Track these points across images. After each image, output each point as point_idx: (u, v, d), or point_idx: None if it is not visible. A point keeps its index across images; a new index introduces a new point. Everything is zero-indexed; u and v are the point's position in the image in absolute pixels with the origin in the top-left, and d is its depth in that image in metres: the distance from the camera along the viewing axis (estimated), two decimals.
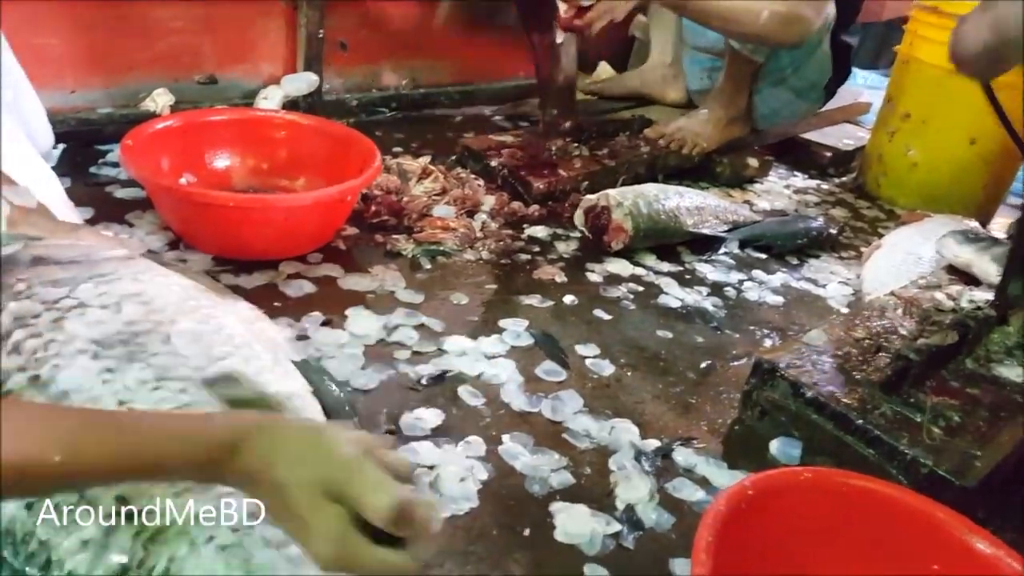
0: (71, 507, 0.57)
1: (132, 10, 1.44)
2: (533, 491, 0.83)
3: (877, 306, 1.14)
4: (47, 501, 0.57)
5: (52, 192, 1.03)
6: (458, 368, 1.01)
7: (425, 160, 1.49)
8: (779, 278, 1.41)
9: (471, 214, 1.42)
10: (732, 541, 0.65)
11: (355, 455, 0.52)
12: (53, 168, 1.08)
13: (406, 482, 0.52)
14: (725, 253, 1.46)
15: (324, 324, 1.06)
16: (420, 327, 1.09)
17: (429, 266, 1.26)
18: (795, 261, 1.49)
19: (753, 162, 1.84)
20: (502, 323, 1.13)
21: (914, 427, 0.89)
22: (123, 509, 0.58)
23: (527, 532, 0.77)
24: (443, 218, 1.36)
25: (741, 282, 1.37)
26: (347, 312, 1.08)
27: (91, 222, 1.15)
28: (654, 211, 1.38)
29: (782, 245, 1.51)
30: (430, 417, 0.92)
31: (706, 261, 1.42)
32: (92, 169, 1.36)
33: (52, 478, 0.50)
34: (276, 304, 1.08)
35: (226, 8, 1.54)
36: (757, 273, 1.42)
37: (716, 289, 1.34)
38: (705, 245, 1.45)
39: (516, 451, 0.88)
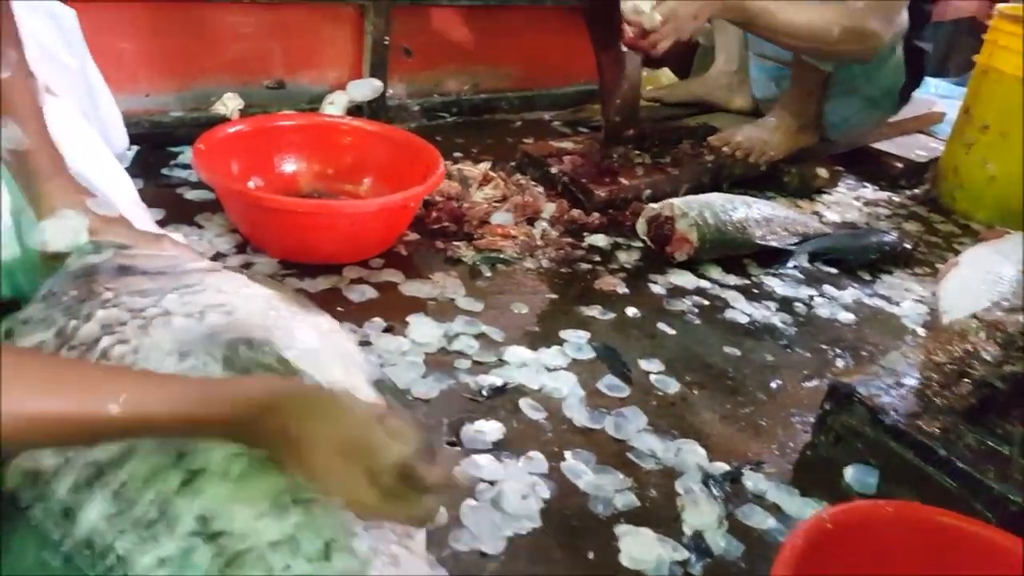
0: (152, 522, 0.57)
1: (205, 16, 1.47)
2: (597, 512, 0.81)
3: (958, 328, 1.08)
4: (130, 515, 0.57)
5: (125, 194, 1.05)
6: (519, 380, 1.00)
7: (486, 166, 1.49)
8: (851, 294, 1.37)
9: (531, 221, 1.41)
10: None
11: (368, 418, 0.59)
12: (126, 169, 1.10)
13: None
14: (794, 267, 1.41)
15: (386, 330, 1.06)
16: (480, 336, 1.08)
17: (489, 274, 1.25)
18: (867, 276, 1.44)
19: (822, 172, 1.79)
20: (563, 334, 1.11)
21: (1001, 460, 0.84)
22: (203, 529, 0.57)
23: (591, 555, 0.75)
24: (503, 225, 1.35)
25: (811, 297, 1.33)
26: (408, 319, 1.08)
27: (162, 223, 1.17)
28: (721, 222, 1.35)
29: (854, 259, 1.46)
30: (491, 430, 0.90)
31: (774, 275, 1.38)
32: (164, 171, 1.38)
33: (105, 428, 0.55)
34: (339, 309, 1.09)
35: (296, 15, 1.56)
36: (828, 288, 1.37)
37: (785, 304, 1.29)
38: (773, 258, 1.41)
39: (579, 469, 0.86)
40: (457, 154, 1.62)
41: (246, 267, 1.13)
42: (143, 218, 1.03)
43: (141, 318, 0.72)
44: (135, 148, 1.26)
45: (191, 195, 1.31)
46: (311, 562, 0.57)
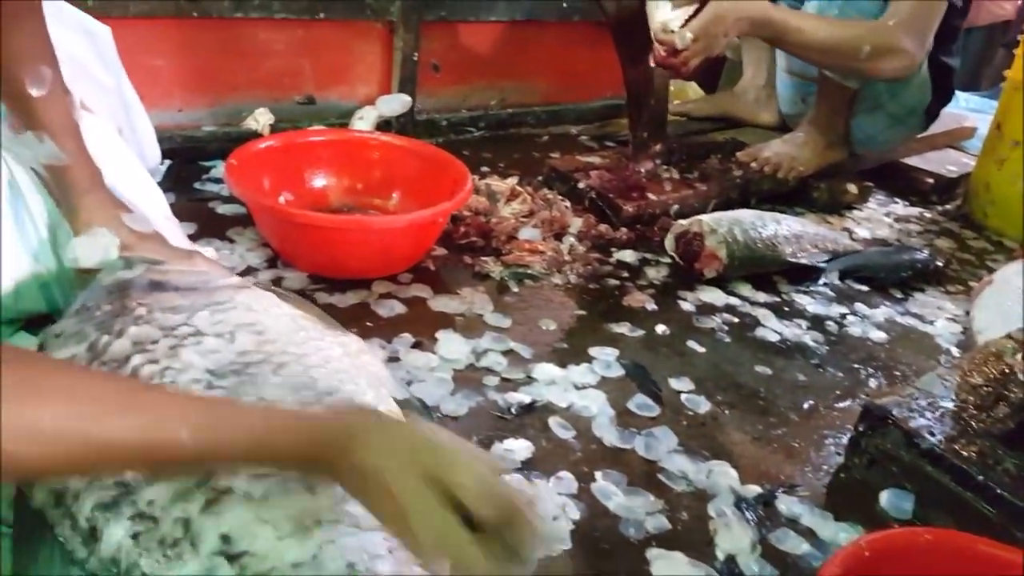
0: (176, 541, 0.58)
1: (237, 33, 1.48)
2: (628, 534, 0.80)
3: (993, 349, 1.06)
4: (154, 534, 0.58)
5: (158, 209, 1.07)
6: (548, 398, 0.99)
7: (513, 181, 1.49)
8: (883, 312, 1.35)
9: (559, 236, 1.40)
10: None
11: (452, 443, 0.55)
12: (159, 184, 1.11)
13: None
14: (825, 284, 1.40)
15: (415, 346, 1.06)
16: (508, 352, 1.08)
17: (517, 289, 1.25)
18: (899, 294, 1.42)
19: (852, 188, 1.77)
20: (592, 351, 1.10)
21: None
22: (226, 549, 0.57)
23: None
24: (531, 240, 1.35)
25: (843, 316, 1.31)
26: (437, 335, 1.08)
27: (193, 237, 1.19)
28: (750, 239, 1.34)
29: (885, 277, 1.44)
30: (520, 449, 0.90)
31: (805, 292, 1.37)
32: (196, 185, 1.40)
33: (177, 455, 0.53)
34: (368, 324, 1.09)
35: (326, 32, 1.57)
36: (859, 306, 1.35)
37: (816, 323, 1.28)
38: (803, 275, 1.39)
39: (609, 490, 0.85)
40: (484, 169, 1.62)
41: (276, 282, 1.14)
42: (175, 233, 1.04)
43: (172, 337, 0.72)
44: (167, 163, 1.28)
45: (223, 209, 1.33)
46: None
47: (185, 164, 1.42)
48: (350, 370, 0.77)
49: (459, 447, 0.55)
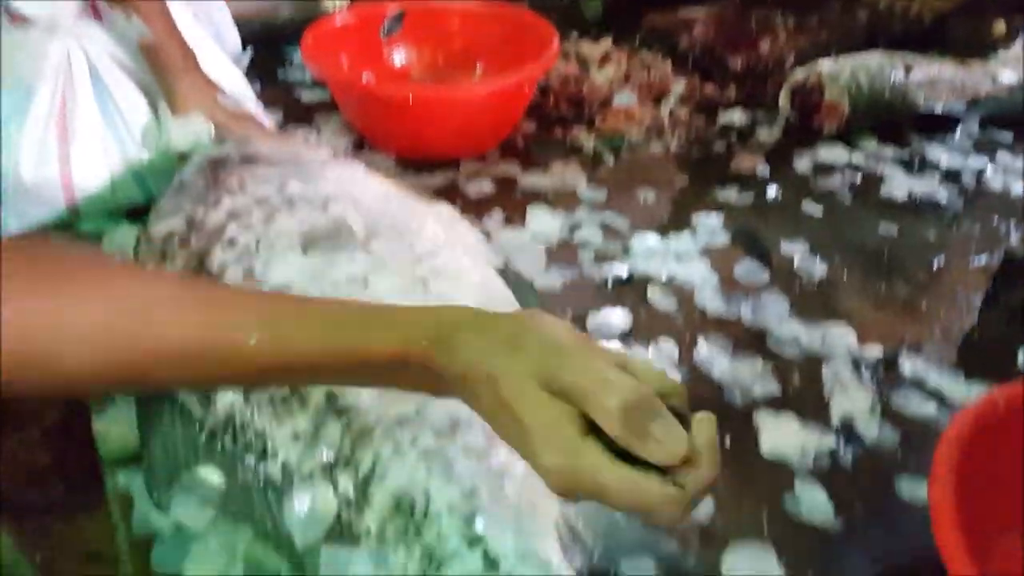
0: (285, 399, 0.58)
1: None
2: (734, 400, 0.75)
3: None
4: (264, 393, 0.58)
5: (245, 94, 1.06)
6: (646, 269, 0.94)
7: (606, 43, 1.39)
8: None
9: (657, 101, 1.31)
10: (978, 462, 0.56)
11: (577, 340, 0.43)
12: (244, 72, 1.11)
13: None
14: (963, 134, 1.25)
15: (505, 223, 1.02)
16: (604, 225, 1.02)
17: (612, 160, 1.18)
18: None
19: (999, 26, 1.55)
20: (695, 219, 1.03)
21: None
22: (332, 405, 0.58)
23: (728, 444, 0.70)
24: (627, 107, 1.27)
25: (982, 168, 1.17)
26: (528, 210, 1.04)
27: (280, 125, 1.18)
28: (877, 86, 1.20)
29: None
30: (618, 319, 0.86)
31: (939, 144, 1.22)
32: (279, 73, 1.38)
33: (245, 362, 0.47)
34: (457, 203, 1.06)
35: None
36: (1002, 157, 1.20)
37: (951, 176, 1.14)
38: (938, 124, 1.25)
39: (713, 357, 0.80)
40: (573, 32, 1.51)
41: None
42: (262, 116, 1.04)
43: (267, 206, 0.73)
44: (250, 50, 1.27)
45: (308, 96, 1.31)
46: (438, 436, 0.56)
47: (267, 52, 1.40)
48: (444, 237, 0.76)
49: (591, 350, 0.43)
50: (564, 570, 0.52)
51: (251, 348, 0.46)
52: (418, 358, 0.45)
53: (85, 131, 0.91)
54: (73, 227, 0.92)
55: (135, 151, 0.93)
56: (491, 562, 0.50)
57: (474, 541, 0.51)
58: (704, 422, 0.42)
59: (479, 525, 0.52)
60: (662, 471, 0.40)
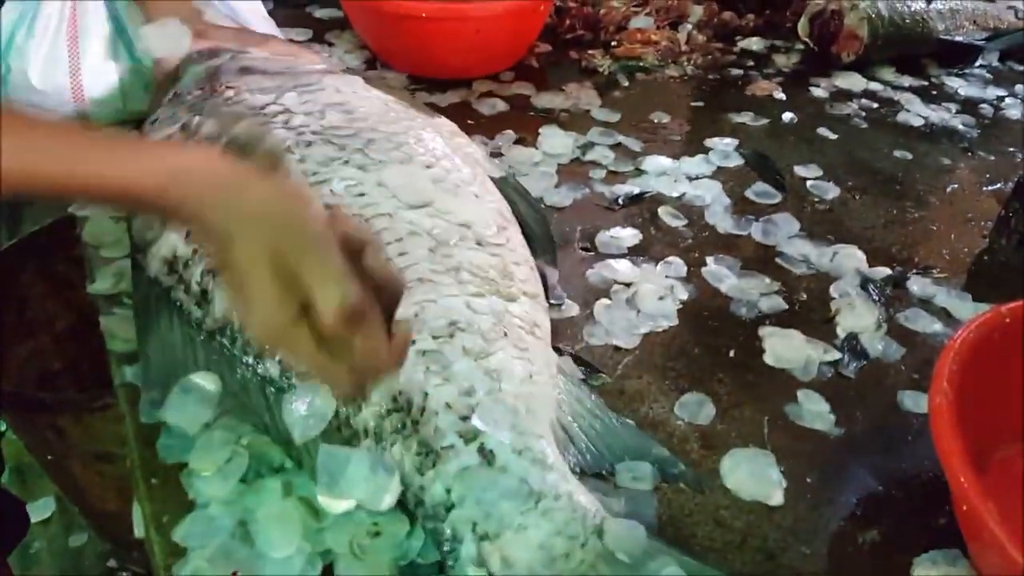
0: None
1: None
2: (740, 314, 0.76)
3: None
4: None
5: (255, 8, 1.05)
6: (657, 189, 0.94)
7: None
8: None
9: (675, 26, 1.28)
10: (979, 375, 0.56)
11: (323, 236, 0.45)
12: None
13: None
14: (982, 66, 1.23)
15: (517, 142, 1.02)
16: (617, 146, 1.02)
17: (627, 83, 1.17)
18: None
19: None
20: (708, 143, 1.02)
21: None
22: None
23: (732, 353, 0.71)
24: (644, 30, 1.25)
25: (1000, 98, 1.16)
26: (540, 130, 1.03)
27: (292, 43, 1.16)
28: (897, 14, 1.17)
29: None
30: (627, 236, 0.86)
31: (958, 75, 1.21)
32: None
33: None
34: (469, 122, 1.05)
35: None
36: (1021, 88, 1.18)
37: (968, 106, 1.13)
38: (957, 56, 1.23)
39: (721, 273, 0.80)
40: None
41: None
42: (273, 33, 1.03)
43: (262, 115, 0.72)
44: None
45: (320, 13, 1.30)
46: (436, 338, 0.57)
47: None
48: (444, 148, 0.75)
49: (328, 249, 0.45)
50: (560, 466, 0.53)
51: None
52: (157, 199, 0.46)
53: (95, 38, 0.91)
54: None
55: (144, 58, 0.92)
56: (487, 456, 0.51)
57: (470, 437, 0.52)
58: (402, 324, 0.49)
59: (475, 422, 0.52)
60: None
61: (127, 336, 0.66)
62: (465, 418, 0.53)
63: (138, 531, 0.56)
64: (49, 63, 0.90)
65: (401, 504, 0.52)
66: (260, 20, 1.05)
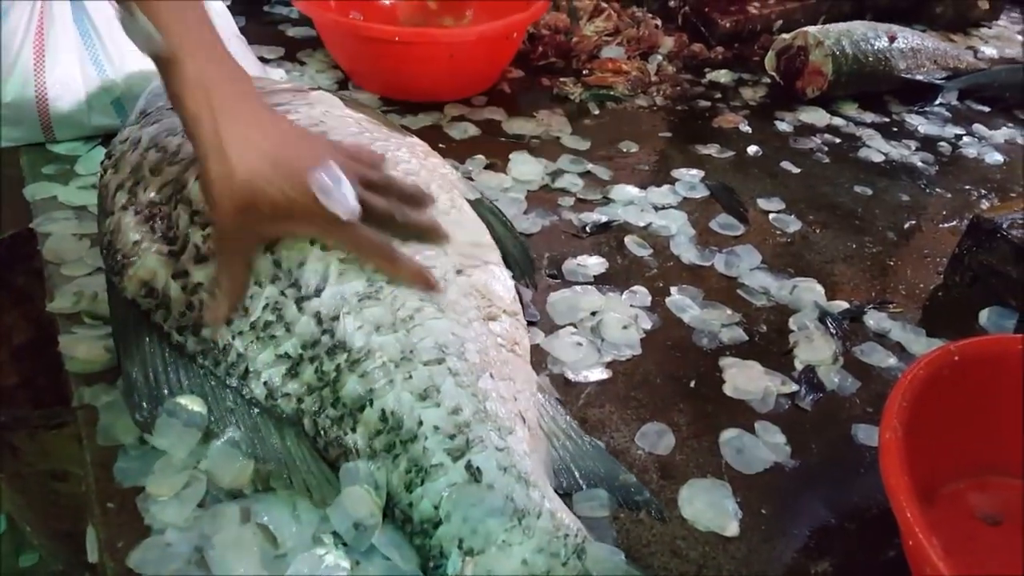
0: (268, 323, 0.59)
1: None
2: (701, 344, 0.77)
3: None
4: (245, 319, 0.59)
5: (226, 26, 1.04)
6: (624, 218, 0.95)
7: None
8: (1004, 134, 1.21)
9: (645, 56, 1.31)
10: (928, 411, 0.57)
11: (302, 194, 0.56)
12: (228, 7, 1.08)
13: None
14: (941, 104, 1.26)
15: (487, 167, 1.03)
16: (586, 174, 1.03)
17: (597, 111, 1.18)
18: None
19: (982, 2, 1.57)
20: (675, 173, 1.04)
21: None
22: (320, 325, 0.59)
23: (693, 384, 0.72)
24: (615, 60, 1.26)
25: (958, 137, 1.19)
26: (510, 156, 1.04)
27: (264, 60, 1.16)
28: (861, 52, 1.21)
29: (1011, 98, 1.29)
30: (593, 264, 0.87)
31: (918, 112, 1.24)
32: (265, 7, 1.37)
33: None
34: (441, 145, 1.06)
35: None
36: (978, 127, 1.22)
37: (927, 144, 1.17)
38: (918, 94, 1.26)
39: (684, 304, 0.82)
40: None
41: None
42: (244, 51, 1.02)
43: None
44: None
45: (293, 32, 1.30)
46: (427, 363, 0.57)
47: None
48: (419, 171, 0.75)
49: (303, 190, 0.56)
50: (543, 484, 0.54)
51: None
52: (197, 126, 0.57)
53: (62, 51, 0.90)
54: (47, 149, 0.91)
55: (112, 73, 0.92)
56: (474, 473, 0.52)
57: (458, 455, 0.53)
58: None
59: (463, 441, 0.53)
60: None
61: (86, 357, 0.65)
62: (453, 436, 0.53)
63: (91, 556, 0.55)
64: (14, 75, 0.89)
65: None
66: (231, 37, 1.04)
